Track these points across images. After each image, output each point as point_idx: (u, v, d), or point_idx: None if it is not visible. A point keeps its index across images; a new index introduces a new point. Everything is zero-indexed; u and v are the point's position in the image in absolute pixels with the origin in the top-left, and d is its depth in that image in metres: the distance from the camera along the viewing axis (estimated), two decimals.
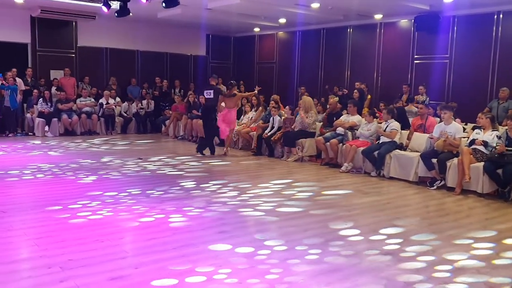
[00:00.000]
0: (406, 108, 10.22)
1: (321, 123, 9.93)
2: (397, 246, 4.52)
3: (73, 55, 14.41)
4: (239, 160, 9.57)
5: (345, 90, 12.73)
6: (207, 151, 9.86)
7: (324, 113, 10.51)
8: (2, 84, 12.01)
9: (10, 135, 12.09)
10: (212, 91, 9.78)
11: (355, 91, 12.17)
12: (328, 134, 9.15)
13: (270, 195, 6.46)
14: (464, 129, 8.46)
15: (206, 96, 9.92)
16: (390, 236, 4.83)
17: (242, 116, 11.62)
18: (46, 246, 4.24)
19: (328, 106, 10.45)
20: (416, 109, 9.65)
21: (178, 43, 16.30)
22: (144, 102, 14.27)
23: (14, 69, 12.45)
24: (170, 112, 13.43)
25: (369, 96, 12.38)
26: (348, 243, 4.58)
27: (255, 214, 5.53)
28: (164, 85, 15.07)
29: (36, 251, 4.16)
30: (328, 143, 8.93)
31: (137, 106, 14.10)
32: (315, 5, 11.73)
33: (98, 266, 3.79)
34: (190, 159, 9.26)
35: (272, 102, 10.48)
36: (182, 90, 15.22)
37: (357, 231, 4.95)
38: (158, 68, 15.84)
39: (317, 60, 14.93)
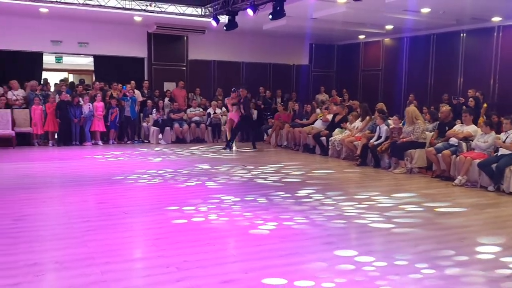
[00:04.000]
0: None
1: (432, 133, 9.42)
2: None
3: (184, 68, 15.31)
4: (343, 169, 9.41)
5: (461, 98, 11.95)
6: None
7: (434, 123, 9.96)
8: (124, 95, 13.14)
9: (128, 142, 13.16)
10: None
11: (470, 99, 11.38)
12: (440, 145, 8.65)
13: (377, 207, 6.26)
14: None
15: (242, 111, 11.98)
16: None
17: (348, 124, 11.17)
18: (164, 246, 4.52)
19: (439, 115, 9.88)
20: None
21: (281, 53, 16.60)
22: None
23: (133, 82, 13.59)
24: (273, 121, 13.66)
25: (485, 105, 11.48)
26: (464, 262, 4.27)
27: (362, 227, 5.40)
28: (267, 95, 15.38)
29: (154, 251, 4.45)
30: (440, 155, 8.44)
31: None
32: (425, 10, 11.25)
33: (211, 269, 3.95)
34: (292, 168, 9.32)
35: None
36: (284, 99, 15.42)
37: (474, 250, 4.60)
38: (262, 78, 16.23)
39: (426, 67, 14.26)
